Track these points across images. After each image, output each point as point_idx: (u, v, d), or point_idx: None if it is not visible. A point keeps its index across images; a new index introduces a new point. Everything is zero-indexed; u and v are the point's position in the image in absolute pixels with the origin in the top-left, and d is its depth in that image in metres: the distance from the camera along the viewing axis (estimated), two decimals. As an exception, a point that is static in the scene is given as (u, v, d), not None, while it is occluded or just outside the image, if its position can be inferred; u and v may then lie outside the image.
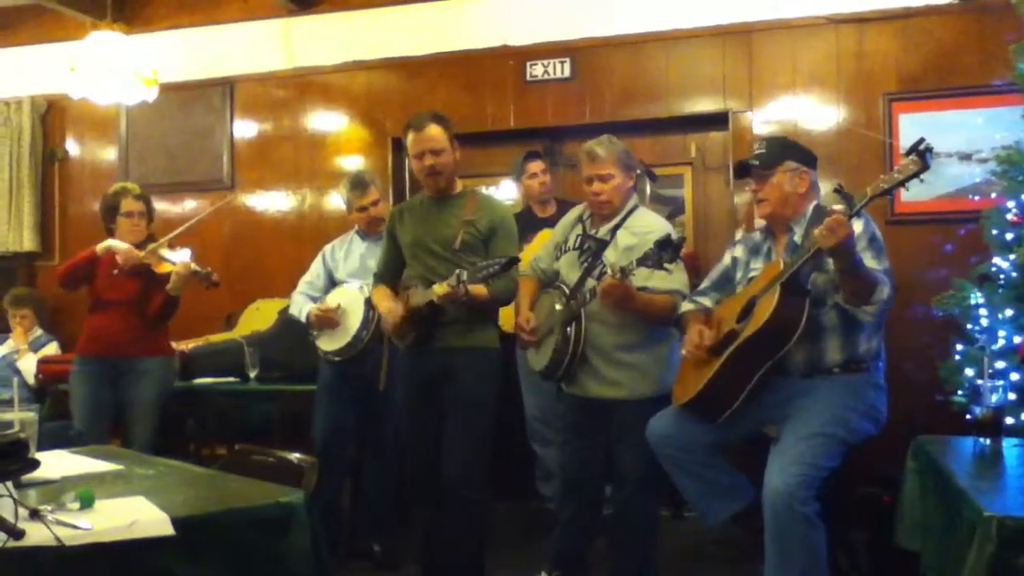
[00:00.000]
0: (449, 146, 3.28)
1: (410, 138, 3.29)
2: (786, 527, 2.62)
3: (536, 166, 4.57)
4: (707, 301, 3.16)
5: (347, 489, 4.19)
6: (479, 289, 3.12)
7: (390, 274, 3.47)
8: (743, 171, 3.06)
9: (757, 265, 3.05)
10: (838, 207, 2.59)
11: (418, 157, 3.27)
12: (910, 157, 2.49)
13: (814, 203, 2.99)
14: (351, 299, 3.92)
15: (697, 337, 2.95)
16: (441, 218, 3.31)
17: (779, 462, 2.70)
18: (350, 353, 3.87)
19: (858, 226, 2.69)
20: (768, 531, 2.68)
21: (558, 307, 3.23)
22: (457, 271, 2.99)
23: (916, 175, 2.49)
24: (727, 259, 3.21)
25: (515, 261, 3.04)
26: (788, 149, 3.03)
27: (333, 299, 3.98)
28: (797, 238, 2.94)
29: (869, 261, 2.71)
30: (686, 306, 3.17)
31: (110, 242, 4.02)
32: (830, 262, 2.74)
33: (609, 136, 3.33)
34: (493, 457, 3.30)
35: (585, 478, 3.36)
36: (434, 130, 3.25)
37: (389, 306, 3.33)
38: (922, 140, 2.50)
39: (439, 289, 3.05)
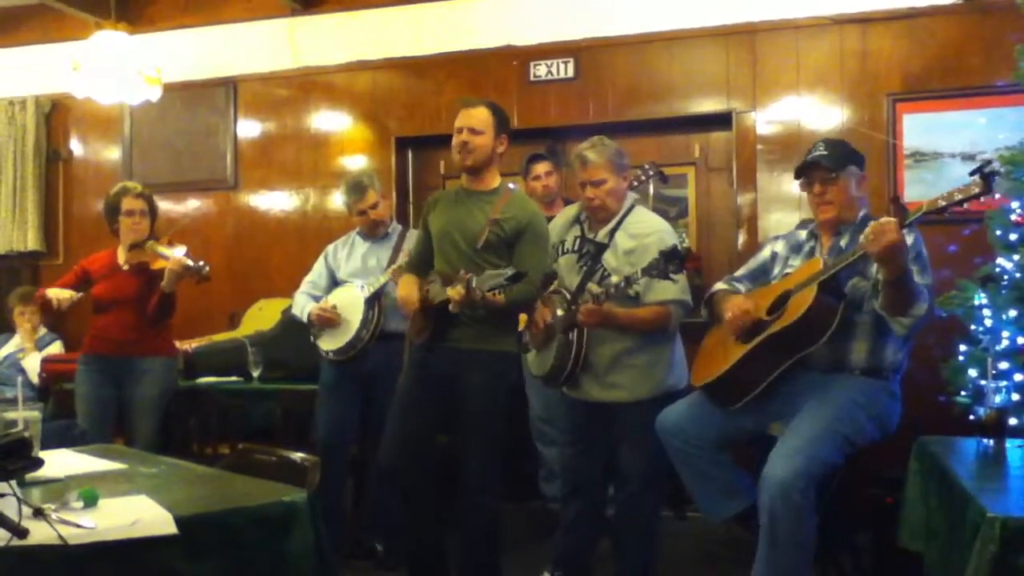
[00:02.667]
0: (491, 132, 3.24)
1: (459, 115, 3.28)
2: (781, 515, 2.64)
3: (541, 168, 4.54)
4: (740, 287, 3.17)
5: (349, 488, 4.20)
6: (494, 296, 3.07)
7: (421, 263, 3.40)
8: (805, 171, 2.99)
9: (796, 263, 3.05)
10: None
11: (458, 131, 3.25)
12: (973, 178, 2.48)
13: (864, 210, 3.00)
14: (352, 299, 3.91)
15: (746, 304, 2.94)
16: (470, 211, 3.25)
17: (783, 452, 2.70)
18: (349, 353, 3.88)
19: (907, 239, 2.66)
20: (762, 517, 2.69)
21: (559, 312, 3.21)
22: (468, 276, 2.95)
23: (977, 197, 2.48)
24: (767, 252, 3.19)
25: (521, 276, 2.95)
26: (851, 153, 3.01)
27: (334, 299, 3.98)
28: (843, 243, 2.92)
29: (913, 276, 2.70)
30: (719, 286, 3.18)
31: (48, 292, 4.00)
32: (872, 269, 2.72)
33: (601, 137, 3.32)
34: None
35: (587, 480, 3.36)
36: (481, 112, 3.25)
37: (406, 293, 3.28)
38: (988, 163, 2.51)
39: (453, 293, 3.00)
